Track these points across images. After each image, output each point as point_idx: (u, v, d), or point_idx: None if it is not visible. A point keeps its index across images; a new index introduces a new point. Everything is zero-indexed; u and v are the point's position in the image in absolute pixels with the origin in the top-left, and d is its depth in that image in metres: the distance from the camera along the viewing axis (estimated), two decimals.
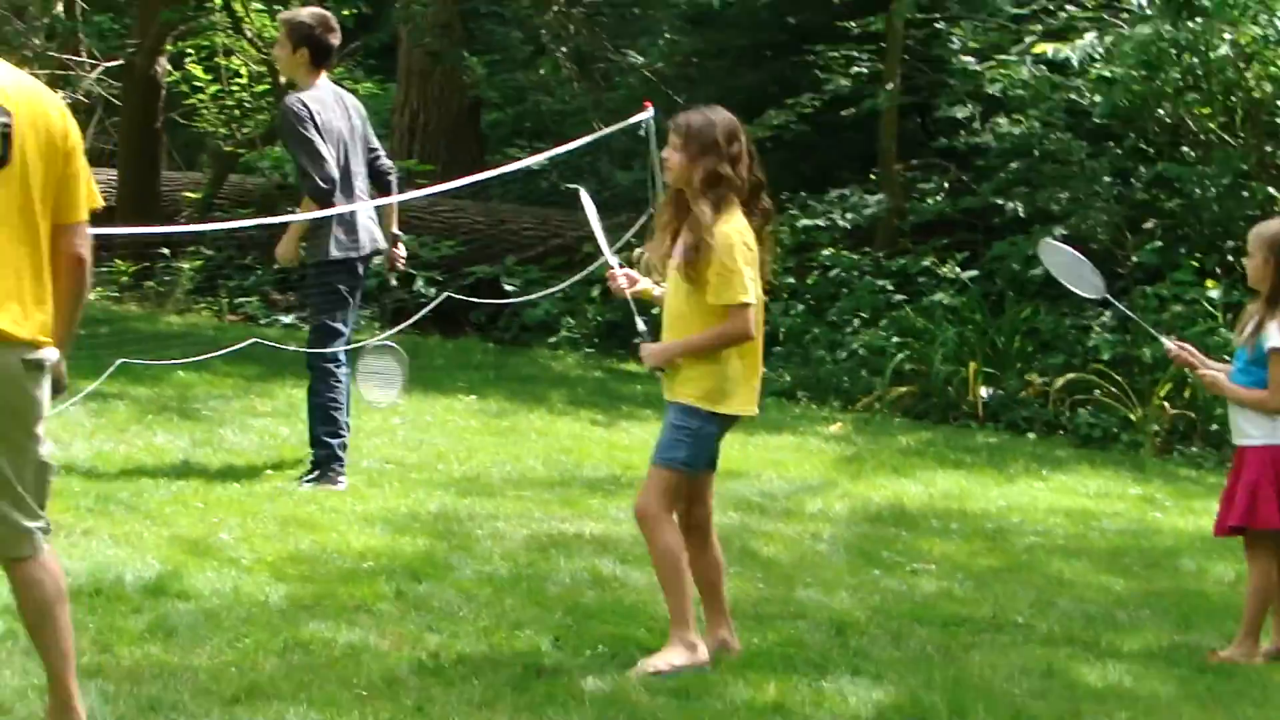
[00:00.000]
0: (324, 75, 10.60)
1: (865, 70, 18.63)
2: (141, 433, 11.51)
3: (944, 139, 18.11)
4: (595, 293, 17.14)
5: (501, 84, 21.79)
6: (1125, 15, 16.65)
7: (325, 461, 10.35)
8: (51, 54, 20.33)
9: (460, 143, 21.26)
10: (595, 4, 21.27)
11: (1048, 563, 9.94)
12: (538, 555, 9.10)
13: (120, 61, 20.17)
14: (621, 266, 7.85)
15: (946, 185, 18.39)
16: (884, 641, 7.99)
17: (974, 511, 11.24)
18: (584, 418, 13.72)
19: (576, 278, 13.40)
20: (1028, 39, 17.49)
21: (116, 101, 21.20)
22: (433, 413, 13.29)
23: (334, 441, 10.38)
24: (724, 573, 7.71)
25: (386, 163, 10.94)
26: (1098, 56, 16.39)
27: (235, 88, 22.37)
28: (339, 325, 10.46)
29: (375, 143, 10.87)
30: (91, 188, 5.90)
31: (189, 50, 22.20)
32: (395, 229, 10.97)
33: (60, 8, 21.01)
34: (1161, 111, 16.86)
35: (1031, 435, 14.79)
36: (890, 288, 16.91)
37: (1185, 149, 17.10)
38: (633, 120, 10.80)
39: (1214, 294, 15.21)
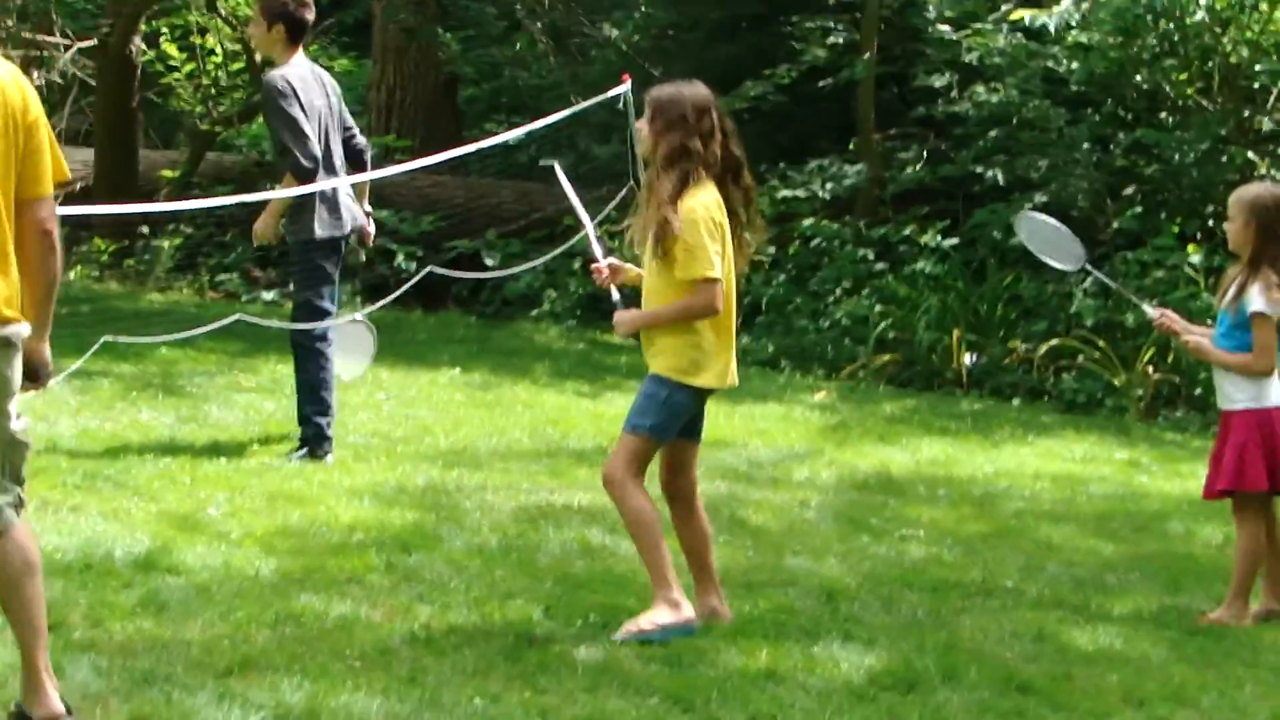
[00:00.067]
0: (300, 52, 10.56)
1: (841, 41, 18.62)
2: (127, 410, 11.48)
3: (922, 108, 18.13)
4: (577, 265, 17.11)
5: (477, 59, 21.75)
6: None
7: (313, 439, 10.35)
8: (25, 35, 20.23)
9: (437, 118, 21.22)
10: None
11: (1036, 527, 9.96)
12: (527, 526, 9.10)
13: (94, 41, 20.07)
14: (606, 255, 7.85)
15: (925, 154, 18.39)
16: (875, 607, 8.01)
17: (961, 478, 11.26)
18: (569, 390, 13.72)
19: (558, 251, 13.39)
20: (1004, 6, 17.51)
21: (91, 82, 21.10)
22: (417, 387, 13.27)
23: (322, 420, 10.37)
24: (711, 542, 7.72)
25: (361, 140, 10.91)
26: (1074, 23, 16.40)
27: (210, 66, 22.29)
28: (325, 303, 10.45)
29: (350, 121, 10.83)
30: (58, 161, 5.83)
31: (163, 29, 22.10)
32: (367, 206, 10.94)
33: None
34: (1139, 78, 16.87)
35: (1016, 401, 14.82)
36: (871, 257, 16.91)
37: (1163, 115, 17.11)
38: (611, 94, 10.78)
39: (1195, 259, 15.24)
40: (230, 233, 18.88)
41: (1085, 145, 16.75)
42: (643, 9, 21.44)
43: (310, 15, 10.60)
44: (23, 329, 5.72)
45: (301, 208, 10.36)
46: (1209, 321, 8.62)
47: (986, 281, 16.09)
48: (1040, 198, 16.40)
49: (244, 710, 6.07)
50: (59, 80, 20.95)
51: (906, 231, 16.99)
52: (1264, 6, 16.21)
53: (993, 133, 17.30)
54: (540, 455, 11.06)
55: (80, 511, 8.67)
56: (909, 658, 7.15)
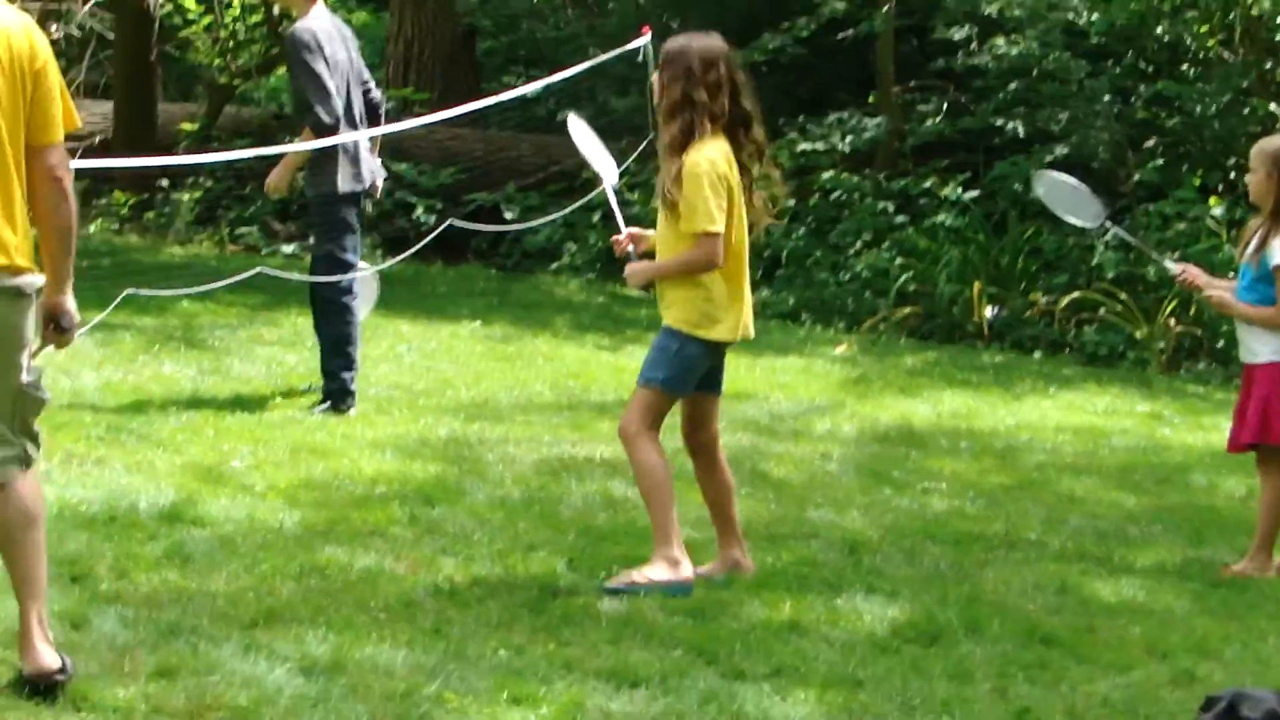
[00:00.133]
0: (320, 3, 10.54)
1: None
2: (149, 363, 11.49)
3: (941, 60, 18.04)
4: (596, 219, 17.09)
5: (495, 11, 21.71)
6: None
7: (337, 394, 10.35)
8: None
9: (455, 71, 21.15)
10: None
11: (1058, 480, 9.96)
12: (549, 479, 9.11)
13: None
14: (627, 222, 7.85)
15: (945, 106, 18.32)
16: (897, 560, 8.02)
17: (982, 430, 11.26)
18: (589, 343, 13.72)
19: (578, 204, 13.37)
20: None
21: (109, 35, 21.07)
22: (438, 339, 13.27)
23: (345, 375, 10.38)
24: (733, 494, 7.73)
25: (377, 94, 10.88)
26: None
27: (228, 19, 22.23)
28: (348, 255, 10.45)
29: (367, 74, 10.81)
30: (69, 109, 5.78)
31: None
32: (378, 159, 10.93)
33: None
34: (1160, 29, 16.80)
35: (1037, 354, 14.80)
36: (891, 209, 16.86)
37: (1184, 67, 17.05)
38: (631, 46, 10.74)
39: (1216, 211, 15.20)
40: (250, 186, 18.85)
41: (1106, 97, 16.69)
42: None
43: None
44: (35, 279, 5.69)
45: (324, 162, 10.35)
46: (1231, 275, 8.60)
47: (1007, 234, 16.05)
48: (1061, 150, 16.35)
49: (270, 662, 6.10)
50: (77, 34, 20.93)
51: (927, 184, 16.95)
52: None
53: (1013, 85, 17.24)
54: (561, 408, 11.07)
55: (104, 464, 8.70)
56: (931, 610, 7.16)
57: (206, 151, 17.07)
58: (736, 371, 12.39)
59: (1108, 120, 16.67)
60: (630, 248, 7.69)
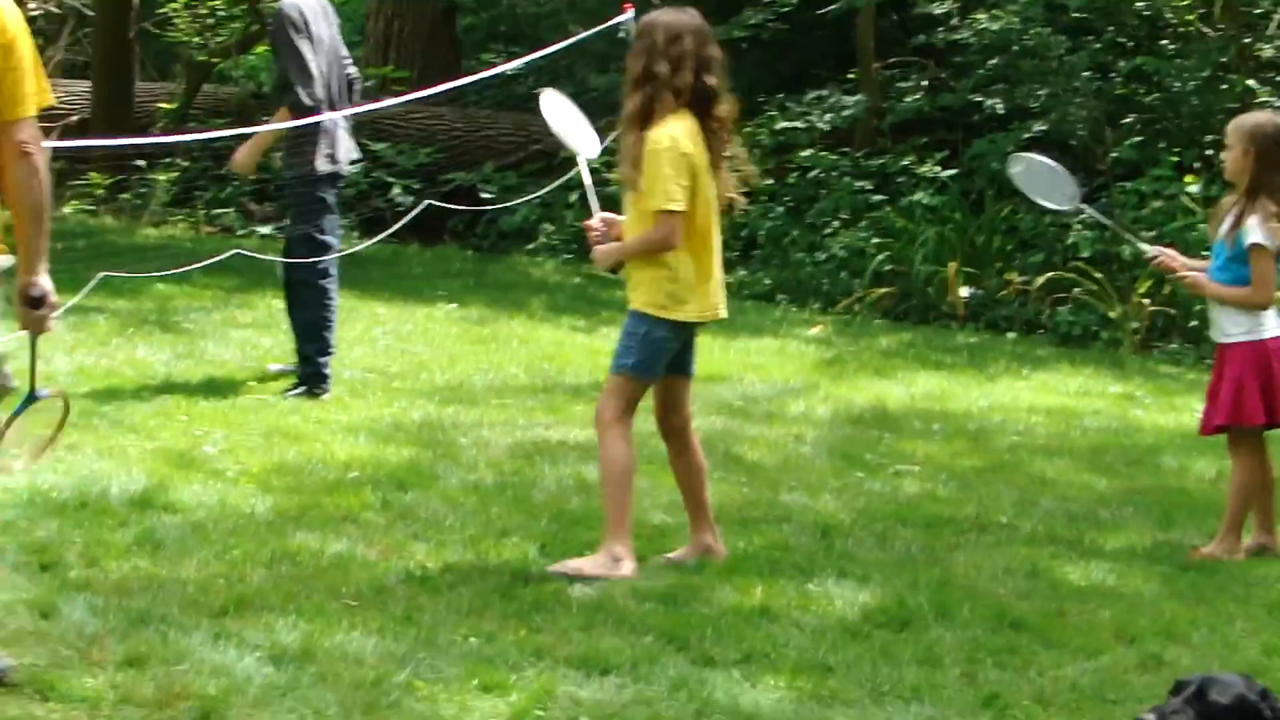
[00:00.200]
0: None
1: None
2: (123, 346, 11.47)
3: (922, 36, 18.04)
4: (573, 199, 17.07)
5: None
6: None
7: (312, 378, 10.34)
8: None
9: (435, 48, 21.10)
10: None
11: (1030, 462, 9.98)
12: (523, 463, 9.12)
13: None
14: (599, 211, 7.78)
15: (925, 83, 18.32)
16: (869, 543, 8.03)
17: (956, 412, 11.28)
18: (565, 324, 13.72)
19: (555, 185, 13.36)
20: None
21: (89, 12, 21.00)
22: (413, 321, 13.26)
23: (321, 360, 10.37)
24: (706, 478, 7.72)
25: (354, 71, 10.86)
26: None
27: None
28: (326, 237, 10.43)
29: (344, 50, 10.79)
30: (42, 84, 5.70)
31: None
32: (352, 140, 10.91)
33: None
34: (1139, 4, 16.82)
35: (1012, 334, 14.82)
36: (869, 188, 16.86)
37: (1163, 42, 17.05)
38: (613, 22, 10.73)
39: (1193, 189, 15.20)
40: (227, 167, 18.80)
41: (1085, 73, 16.71)
42: None
43: None
44: (4, 260, 5.66)
45: (302, 142, 10.32)
46: (1205, 253, 8.60)
47: (984, 213, 16.06)
48: (1039, 127, 16.36)
49: (240, 650, 6.09)
50: (56, 11, 20.85)
51: (905, 162, 16.96)
52: None
53: (993, 61, 17.23)
54: (536, 391, 11.08)
55: (76, 449, 8.68)
56: (903, 595, 7.18)
57: (184, 131, 17.03)
58: (711, 353, 12.40)
59: (1086, 96, 16.68)
60: (603, 229, 7.63)
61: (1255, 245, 8.00)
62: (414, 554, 7.42)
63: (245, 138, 11.10)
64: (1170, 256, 8.53)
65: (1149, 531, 8.57)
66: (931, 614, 6.95)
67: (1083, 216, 15.19)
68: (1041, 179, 9.04)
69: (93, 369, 10.69)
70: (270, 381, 10.66)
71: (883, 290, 15.55)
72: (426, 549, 7.50)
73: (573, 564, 7.25)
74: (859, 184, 16.90)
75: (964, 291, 15.23)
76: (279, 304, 11.48)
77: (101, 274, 10.57)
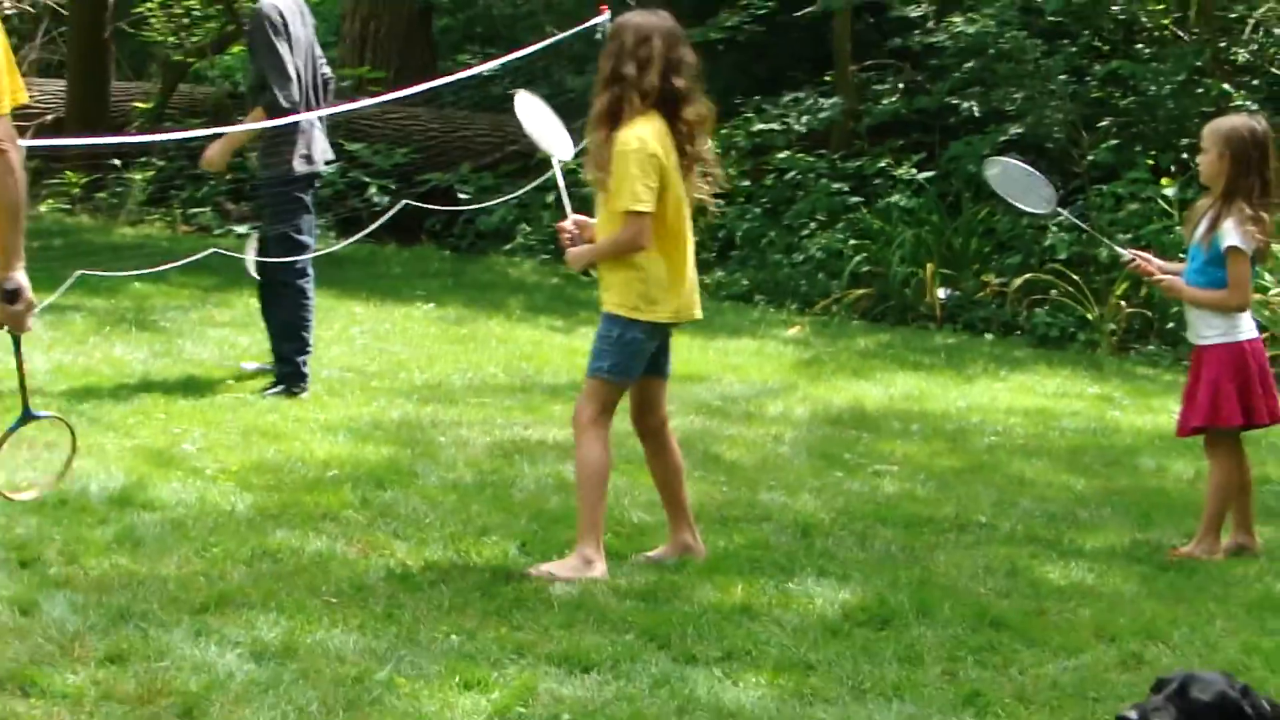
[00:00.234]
0: None
1: None
2: (100, 345, 11.46)
3: (898, 39, 18.06)
4: (550, 199, 17.07)
5: None
6: None
7: (290, 378, 10.34)
8: None
9: (411, 49, 21.07)
10: None
11: (1008, 462, 10.00)
12: (502, 462, 9.12)
13: None
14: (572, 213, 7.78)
15: (901, 86, 18.35)
16: (849, 543, 8.04)
17: (934, 412, 11.30)
18: (543, 324, 13.72)
19: (532, 185, 13.35)
20: None
21: (64, 11, 20.94)
22: (391, 321, 13.26)
23: (299, 359, 10.38)
24: (683, 478, 7.72)
25: (328, 71, 10.88)
26: None
27: None
28: (303, 237, 10.43)
29: (319, 50, 10.80)
30: (15, 82, 5.68)
31: None
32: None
33: None
34: (1115, 8, 16.86)
35: (989, 336, 14.85)
36: (846, 190, 16.88)
37: (1139, 46, 17.09)
38: (589, 24, 10.72)
39: (1169, 192, 15.24)
40: (199, 163, 18.75)
41: (1061, 76, 16.73)
42: None
43: None
44: None
45: (280, 143, 10.33)
46: (1182, 255, 8.62)
47: (961, 215, 16.09)
48: (1015, 130, 16.39)
49: (220, 646, 6.10)
50: (30, 10, 20.78)
51: (882, 164, 16.98)
52: None
53: (969, 64, 17.26)
54: (515, 390, 11.08)
55: (55, 448, 8.60)
56: (883, 593, 7.19)
57: (159, 131, 16.99)
58: (689, 353, 12.43)
59: (1062, 100, 16.71)
60: (575, 232, 7.62)
61: (1232, 248, 8.02)
62: (394, 552, 7.42)
63: (220, 136, 11.10)
64: (1146, 260, 8.55)
65: (1128, 531, 8.59)
66: (912, 612, 6.95)
67: (1059, 219, 15.25)
68: (1017, 182, 9.06)
69: (70, 367, 10.67)
70: (248, 380, 10.66)
71: (860, 291, 15.57)
72: (407, 547, 7.50)
73: (545, 568, 7.24)
74: (836, 186, 16.92)
75: (941, 293, 15.26)
76: (256, 303, 11.46)
77: (78, 272, 10.55)
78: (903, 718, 5.89)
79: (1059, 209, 9.27)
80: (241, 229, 17.40)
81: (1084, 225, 11.43)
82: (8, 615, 6.22)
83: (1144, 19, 16.80)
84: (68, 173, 18.84)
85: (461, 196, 17.56)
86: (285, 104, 10.20)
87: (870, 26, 19.31)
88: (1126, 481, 9.71)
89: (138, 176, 18.72)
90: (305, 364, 10.41)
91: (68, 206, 18.62)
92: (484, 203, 16.32)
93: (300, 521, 7.73)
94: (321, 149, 10.56)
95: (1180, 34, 16.72)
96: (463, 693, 5.87)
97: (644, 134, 7.22)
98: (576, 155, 8.30)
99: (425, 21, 21.78)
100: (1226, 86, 16.12)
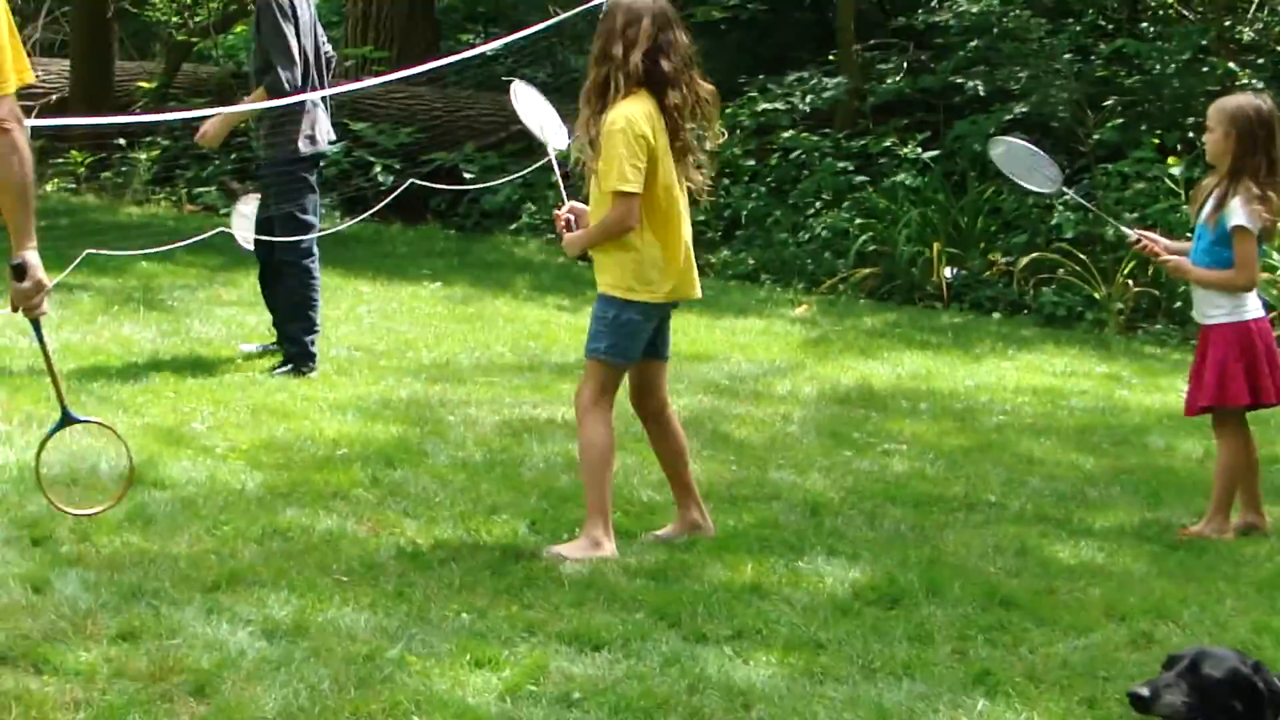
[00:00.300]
0: None
1: None
2: (108, 324, 11.47)
3: (902, 17, 18.05)
4: (555, 178, 17.03)
5: None
6: None
7: (299, 357, 10.35)
8: None
9: (414, 28, 21.03)
10: None
11: (1017, 441, 9.99)
12: (511, 440, 9.12)
13: None
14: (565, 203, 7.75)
15: (905, 65, 18.33)
16: (858, 522, 8.04)
17: (942, 391, 11.29)
18: (549, 304, 13.72)
19: (538, 165, 13.33)
20: None
21: None
22: (399, 300, 13.26)
23: (307, 338, 10.39)
24: (688, 456, 7.72)
25: (329, 49, 10.89)
26: None
27: None
28: (310, 217, 10.45)
29: (320, 28, 10.82)
30: (20, 61, 5.65)
31: None
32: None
33: None
34: None
35: (996, 315, 14.83)
36: (851, 169, 16.86)
37: (1144, 25, 17.07)
38: (592, 4, 10.72)
39: (1175, 171, 15.21)
40: (196, 138, 18.74)
41: (1066, 55, 16.72)
42: None
43: None
44: None
45: (286, 123, 10.35)
46: (1188, 235, 8.61)
47: (967, 194, 16.07)
48: (1020, 109, 16.38)
49: (232, 624, 6.11)
50: None
51: (887, 143, 16.96)
52: None
53: (973, 43, 17.24)
54: (523, 369, 11.08)
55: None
56: (892, 572, 7.18)
57: (164, 110, 16.99)
58: (696, 333, 12.44)
59: (1067, 79, 16.69)
60: (571, 218, 7.61)
61: (1238, 227, 8.00)
62: (404, 530, 7.43)
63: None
64: (1152, 240, 8.54)
65: (1137, 510, 8.59)
66: (922, 591, 6.95)
67: (1065, 198, 15.23)
68: (1022, 161, 9.05)
69: (79, 346, 10.67)
70: (257, 359, 10.67)
71: (866, 271, 15.56)
72: (417, 525, 7.51)
73: (554, 549, 7.24)
74: (841, 165, 16.90)
75: (947, 272, 15.25)
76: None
77: (86, 251, 10.56)
78: (913, 696, 5.88)
79: (1064, 188, 9.26)
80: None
81: (1089, 205, 11.41)
82: (20, 593, 6.23)
83: None
84: (73, 152, 18.85)
85: (466, 176, 17.56)
86: (287, 86, 10.24)
87: (874, 5, 19.32)
88: (1135, 460, 9.71)
89: (143, 156, 18.73)
90: (313, 343, 10.42)
91: (73, 186, 18.64)
92: (489, 182, 16.31)
93: (310, 500, 7.74)
94: (325, 129, 10.58)
95: (1185, 13, 16.71)
96: (474, 671, 5.88)
97: (632, 114, 7.19)
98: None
99: (428, 2, 21.75)
100: (1232, 65, 16.10)
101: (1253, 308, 8.18)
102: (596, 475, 7.31)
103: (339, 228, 11.94)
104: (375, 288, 13.59)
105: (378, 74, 15.98)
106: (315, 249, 10.52)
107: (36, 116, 16.32)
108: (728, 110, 17.50)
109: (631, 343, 7.36)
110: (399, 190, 12.54)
